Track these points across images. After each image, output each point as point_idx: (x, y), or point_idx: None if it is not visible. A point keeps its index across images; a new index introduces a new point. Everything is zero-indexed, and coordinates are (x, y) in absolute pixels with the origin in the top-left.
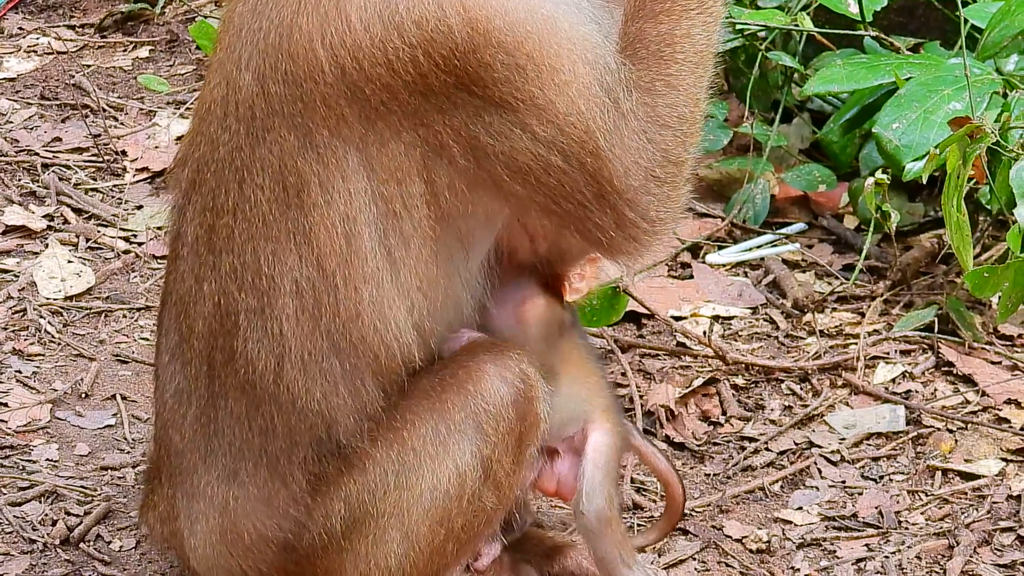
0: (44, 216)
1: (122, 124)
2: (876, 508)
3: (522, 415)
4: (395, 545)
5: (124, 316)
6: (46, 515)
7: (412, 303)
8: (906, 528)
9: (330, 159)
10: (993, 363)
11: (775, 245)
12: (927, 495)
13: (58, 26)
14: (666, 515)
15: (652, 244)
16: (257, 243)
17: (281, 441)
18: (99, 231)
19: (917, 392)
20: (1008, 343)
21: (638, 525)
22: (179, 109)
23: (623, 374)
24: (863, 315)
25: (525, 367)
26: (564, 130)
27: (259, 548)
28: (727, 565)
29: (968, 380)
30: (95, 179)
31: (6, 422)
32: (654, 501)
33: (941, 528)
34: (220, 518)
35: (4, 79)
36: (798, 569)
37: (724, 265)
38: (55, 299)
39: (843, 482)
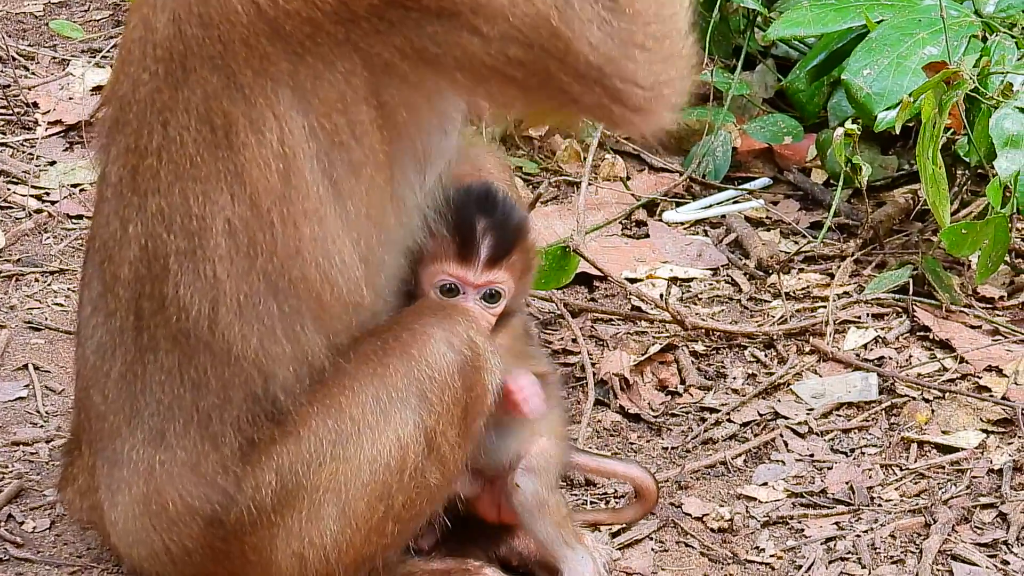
0: None
1: (33, 74)
2: (847, 483)
3: (469, 385)
4: (331, 522)
5: (36, 280)
6: None
7: (359, 235)
8: (879, 505)
9: (258, 98)
10: (972, 327)
11: (737, 201)
12: (902, 469)
13: None
14: (637, 505)
15: (659, 109)
16: (185, 184)
17: (214, 396)
18: (9, 189)
19: (890, 359)
20: (988, 306)
21: (591, 502)
22: (94, 57)
23: (573, 340)
24: (832, 276)
25: (473, 334)
26: (513, 21)
27: (184, 521)
28: (686, 545)
29: (945, 346)
30: (4, 133)
31: None
32: (607, 477)
33: (917, 505)
34: (144, 486)
35: None
36: (763, 549)
37: (682, 223)
38: None
39: (811, 456)
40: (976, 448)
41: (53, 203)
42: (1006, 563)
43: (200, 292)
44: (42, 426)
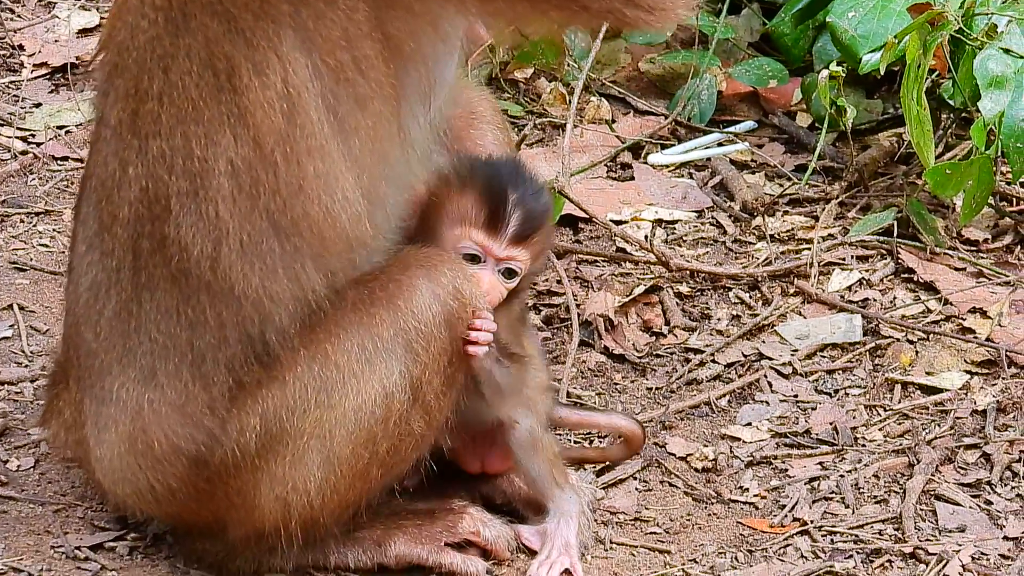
0: None
1: (19, 16)
2: (831, 424)
3: (455, 335)
4: (315, 468)
5: (22, 221)
6: None
7: (362, 170)
8: (863, 445)
9: (260, 41)
10: (957, 269)
11: (722, 144)
12: (885, 410)
13: None
14: (623, 446)
15: (674, 5)
16: (187, 127)
17: (210, 335)
18: None
19: (875, 300)
20: (972, 248)
21: (574, 442)
22: (80, 0)
23: (558, 282)
24: (817, 219)
25: (460, 284)
26: None
27: (169, 460)
28: (670, 485)
29: (930, 287)
30: None
31: None
32: (592, 430)
33: (900, 445)
34: (131, 424)
35: None
36: (747, 488)
37: (667, 166)
38: None
39: (795, 396)
40: (960, 389)
41: (38, 145)
42: (989, 503)
43: (202, 232)
44: (27, 365)
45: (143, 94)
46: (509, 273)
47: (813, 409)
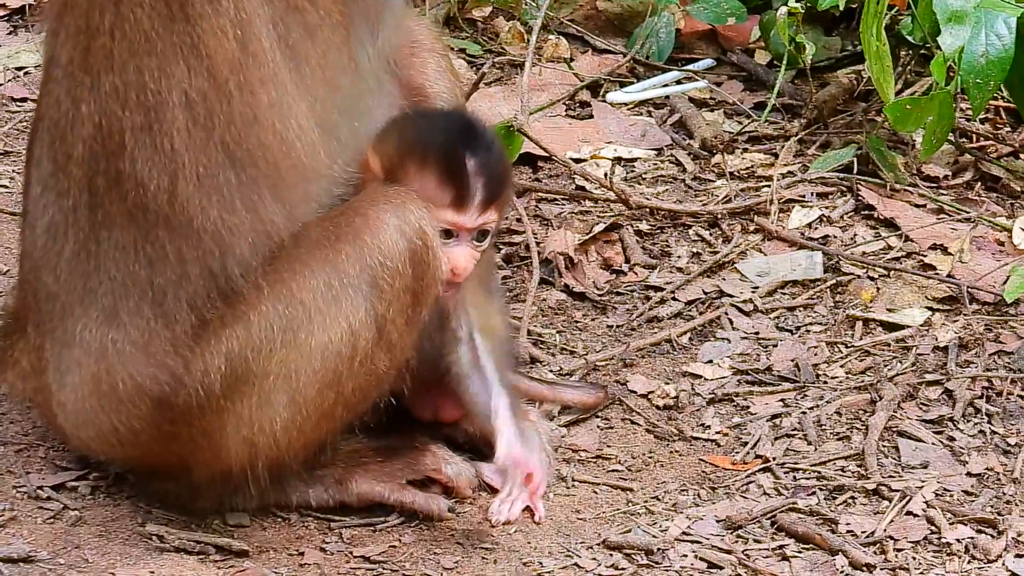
0: None
1: None
2: (792, 361)
3: (419, 274)
4: (281, 409)
5: None
6: None
7: (315, 98)
8: (824, 382)
9: None
10: (917, 206)
11: (681, 82)
12: (847, 347)
13: None
14: (582, 394)
15: None
16: (140, 60)
17: (171, 271)
18: None
19: (835, 237)
20: (933, 185)
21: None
22: None
23: (518, 220)
24: (776, 156)
25: (425, 224)
26: None
27: (133, 402)
28: (632, 422)
29: (890, 224)
30: None
31: None
32: (552, 355)
33: (862, 382)
34: (95, 366)
35: None
36: (708, 426)
37: (626, 104)
38: None
39: (756, 333)
40: (921, 326)
41: None
42: (952, 439)
43: (158, 166)
44: None
45: (94, 30)
46: (482, 235)
47: (774, 346)
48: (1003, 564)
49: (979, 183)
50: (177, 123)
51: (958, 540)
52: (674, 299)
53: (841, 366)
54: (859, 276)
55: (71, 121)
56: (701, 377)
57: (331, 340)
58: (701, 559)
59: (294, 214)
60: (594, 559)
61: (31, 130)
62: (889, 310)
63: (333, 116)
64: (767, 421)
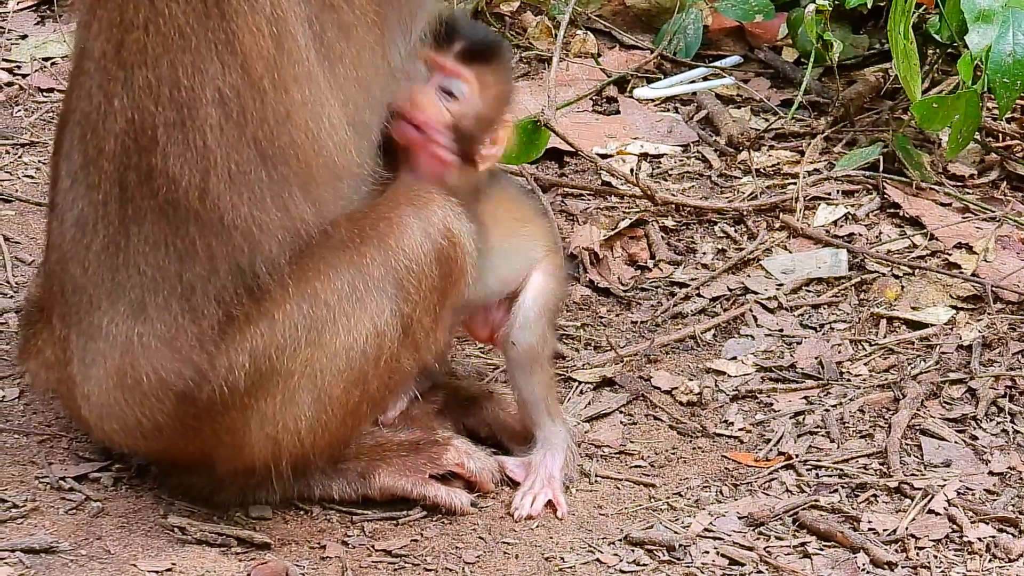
0: None
1: None
2: (816, 358)
3: (446, 272)
4: (306, 408)
5: (7, 152)
6: None
7: (347, 97)
8: (848, 380)
9: None
10: (942, 204)
11: (708, 79)
12: (871, 345)
13: None
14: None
15: None
16: (174, 56)
17: (200, 267)
18: None
19: (860, 235)
20: (958, 183)
21: (557, 375)
22: None
23: (544, 215)
24: (803, 153)
25: (451, 221)
26: None
27: (157, 395)
28: (656, 418)
29: (915, 222)
30: None
31: None
32: (576, 350)
33: (886, 380)
34: (121, 359)
35: None
36: (731, 423)
37: (653, 100)
38: None
39: (780, 331)
40: (945, 324)
41: (24, 76)
42: (975, 438)
43: (190, 162)
44: (12, 296)
45: (128, 24)
46: (450, 93)
47: (798, 343)
48: None
49: (1004, 182)
50: (210, 120)
51: (979, 539)
52: (699, 295)
53: (865, 364)
54: (884, 274)
55: (103, 115)
56: (725, 374)
57: (356, 340)
58: (723, 555)
59: (324, 212)
60: (616, 555)
61: (59, 122)
62: (913, 308)
63: (365, 115)
64: (790, 418)
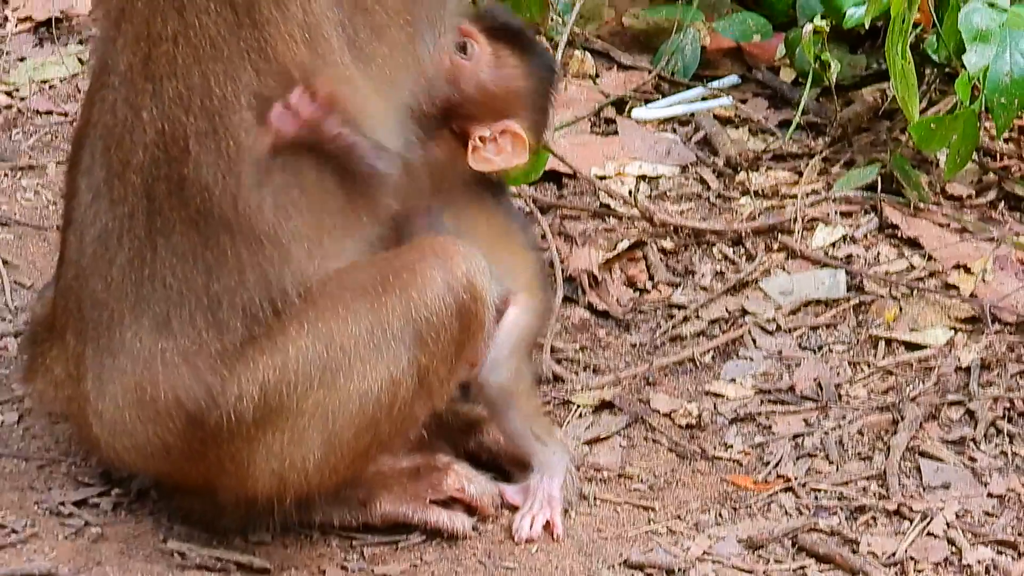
0: None
1: None
2: (815, 380)
3: (465, 326)
4: (315, 447)
5: (5, 176)
6: None
7: (380, 98)
8: (847, 402)
9: None
10: (940, 225)
11: (706, 99)
12: (869, 366)
13: None
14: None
15: None
16: (206, 66)
17: (228, 277)
18: None
19: (859, 256)
20: (956, 204)
21: (555, 398)
22: None
23: (543, 237)
24: (801, 174)
25: (474, 276)
26: None
27: (170, 414)
28: (654, 441)
29: (914, 243)
30: None
31: None
32: (575, 373)
33: (884, 402)
34: (140, 374)
35: None
36: (731, 445)
37: (651, 121)
38: None
39: (779, 352)
40: (944, 346)
41: (23, 99)
42: (973, 460)
43: (223, 169)
44: (11, 320)
45: (156, 37)
46: (462, 50)
47: (797, 365)
48: None
49: (1002, 202)
50: (244, 124)
51: (979, 561)
52: (697, 317)
53: (863, 385)
54: (882, 295)
55: (130, 128)
56: (723, 396)
57: (371, 387)
58: None
59: (355, 217)
60: None
61: (76, 137)
62: (912, 330)
63: (396, 118)
64: (789, 440)
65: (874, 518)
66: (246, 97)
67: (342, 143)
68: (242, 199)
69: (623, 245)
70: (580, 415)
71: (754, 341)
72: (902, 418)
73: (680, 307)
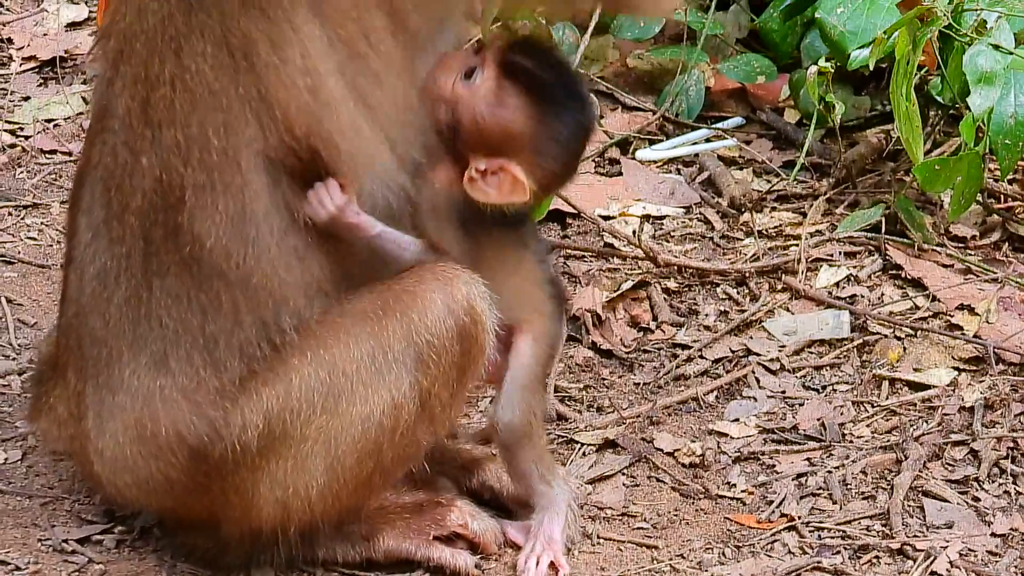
0: None
1: (7, 10)
2: (818, 420)
3: (466, 349)
4: (318, 474)
5: (10, 214)
6: None
7: (387, 143)
8: (850, 442)
9: (276, 12)
10: (944, 266)
11: (710, 140)
12: (873, 406)
13: None
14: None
15: None
16: (204, 115)
17: (224, 319)
18: None
19: (863, 297)
20: (960, 245)
21: (559, 437)
22: None
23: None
24: (805, 215)
25: (475, 299)
26: None
27: (172, 450)
28: (658, 480)
29: (917, 284)
30: None
31: None
32: (579, 412)
33: (888, 441)
34: (140, 411)
35: None
36: (734, 484)
37: (655, 161)
38: None
39: (783, 392)
40: (947, 386)
41: (27, 138)
42: (977, 499)
43: (218, 225)
44: (14, 359)
45: (153, 80)
46: (469, 75)
47: (801, 405)
48: None
49: (1006, 243)
50: (252, 186)
51: None
52: (701, 357)
53: (867, 425)
54: (886, 336)
55: (129, 172)
56: (727, 435)
57: (373, 411)
58: None
59: (351, 263)
60: None
61: (77, 177)
62: (915, 370)
63: (402, 155)
64: (792, 480)
65: (877, 557)
66: (250, 155)
67: (368, 234)
68: (236, 254)
69: (627, 285)
70: (584, 454)
71: (758, 381)
72: (906, 457)
73: (684, 347)
